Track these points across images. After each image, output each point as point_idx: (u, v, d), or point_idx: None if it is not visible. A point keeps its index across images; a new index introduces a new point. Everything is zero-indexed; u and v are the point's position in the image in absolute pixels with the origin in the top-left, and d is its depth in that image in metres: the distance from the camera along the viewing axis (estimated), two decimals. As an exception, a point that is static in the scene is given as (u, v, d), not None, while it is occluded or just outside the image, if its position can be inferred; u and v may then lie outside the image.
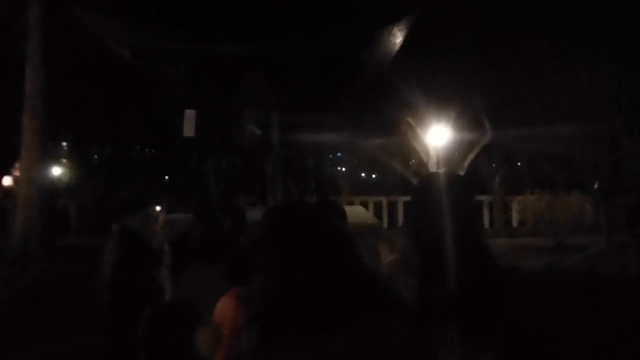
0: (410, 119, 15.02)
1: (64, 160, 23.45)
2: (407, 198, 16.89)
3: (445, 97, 13.65)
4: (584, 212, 14.88)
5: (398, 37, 10.19)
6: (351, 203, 16.73)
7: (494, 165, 17.55)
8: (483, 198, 16.72)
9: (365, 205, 16.67)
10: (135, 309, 3.74)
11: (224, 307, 3.04)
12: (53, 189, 18.83)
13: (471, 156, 15.54)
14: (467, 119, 14.46)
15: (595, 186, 12.21)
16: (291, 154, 10.22)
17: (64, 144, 24.30)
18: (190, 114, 9.72)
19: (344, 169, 32.62)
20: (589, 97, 10.83)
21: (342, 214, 3.68)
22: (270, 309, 1.54)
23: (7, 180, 17.54)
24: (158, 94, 13.05)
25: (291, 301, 1.47)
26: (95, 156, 23.51)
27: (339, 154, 31.90)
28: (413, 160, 17.73)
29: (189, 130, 9.76)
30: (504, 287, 1.67)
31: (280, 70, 10.12)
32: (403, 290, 1.96)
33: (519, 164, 19.27)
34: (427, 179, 1.87)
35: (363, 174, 33.90)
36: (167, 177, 20.45)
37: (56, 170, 22.97)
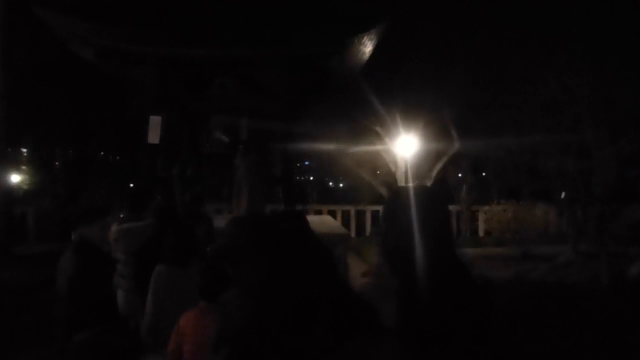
0: (378, 128, 15.02)
1: (24, 167, 22.76)
2: (375, 207, 17.01)
3: (414, 106, 13.71)
4: (549, 222, 15.12)
5: (368, 46, 10.16)
6: (319, 212, 16.64)
7: (460, 175, 17.71)
8: (451, 208, 16.78)
9: (333, 214, 16.58)
10: (92, 322, 3.56)
11: (187, 322, 2.87)
12: (10, 196, 18.25)
13: (439, 166, 15.63)
14: (435, 128, 14.54)
15: (562, 196, 12.39)
16: (259, 161, 10.04)
17: (24, 149, 23.61)
18: (155, 121, 9.44)
19: (311, 178, 32.56)
20: (559, 107, 10.97)
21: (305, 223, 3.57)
22: (249, 331, 1.38)
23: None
24: (124, 96, 12.72)
25: (276, 322, 1.32)
26: (56, 162, 22.85)
27: (306, 163, 31.84)
28: (379, 171, 17.76)
29: (154, 136, 9.49)
30: (484, 300, 1.61)
31: (250, 74, 9.97)
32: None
33: (484, 174, 19.52)
34: (395, 194, 1.85)
35: (331, 183, 33.86)
36: (131, 184, 19.97)
37: (15, 177, 22.30)
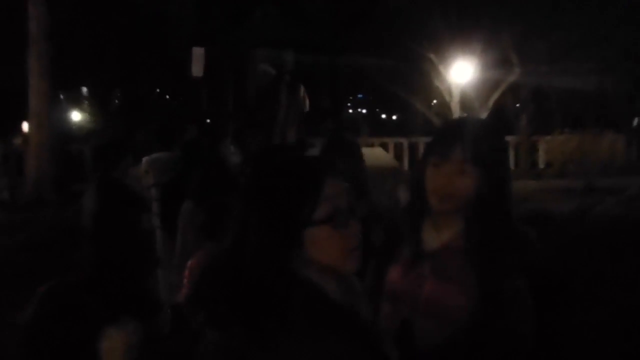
0: (432, 55, 14.27)
1: (84, 105, 23.40)
2: (429, 139, 16.45)
3: (470, 30, 12.85)
4: (616, 152, 14.20)
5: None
6: (370, 145, 16.27)
7: (518, 105, 16.79)
8: (509, 138, 16.12)
9: (385, 147, 16.18)
10: (121, 263, 3.44)
11: (195, 266, 2.64)
12: (69, 134, 18.80)
13: (496, 95, 14.82)
14: (493, 54, 13.69)
15: (635, 122, 11.49)
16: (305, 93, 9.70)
17: (84, 89, 24.19)
18: (198, 52, 9.22)
19: (364, 111, 32.00)
20: (631, 21, 9.90)
21: (355, 155, 3.27)
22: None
23: (26, 126, 17.38)
24: (168, 32, 12.49)
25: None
26: (116, 100, 23.30)
27: (359, 96, 31.25)
28: (435, 101, 17.06)
29: (197, 69, 9.29)
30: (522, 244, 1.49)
31: (292, 2, 9.48)
32: None
33: (546, 102, 18.47)
34: (447, 124, 1.58)
35: (384, 115, 33.23)
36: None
37: (76, 116, 22.99)
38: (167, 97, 24.23)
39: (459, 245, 1.50)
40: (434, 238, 1.56)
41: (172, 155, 4.21)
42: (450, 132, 1.57)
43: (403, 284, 1.54)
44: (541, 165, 15.96)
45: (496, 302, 1.42)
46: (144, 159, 4.27)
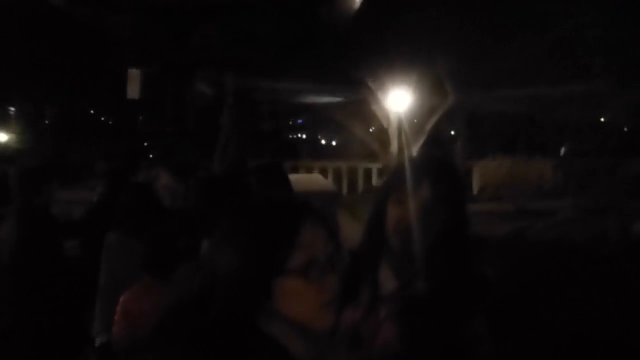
0: (370, 82, 14.52)
1: (11, 124, 22.32)
2: (368, 164, 16.71)
3: (407, 58, 13.18)
4: (545, 176, 14.82)
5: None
6: (310, 169, 16.30)
7: (453, 130, 17.33)
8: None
9: (324, 171, 16.26)
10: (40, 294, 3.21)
11: (132, 302, 2.48)
12: (-5, 154, 17.82)
13: (433, 120, 15.21)
14: (429, 81, 14.08)
15: (563, 149, 12.04)
16: (247, 116, 9.62)
17: (11, 108, 23.09)
18: (134, 74, 9.00)
19: (304, 136, 32.18)
20: (565, 51, 10.39)
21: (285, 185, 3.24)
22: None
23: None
24: (105, 50, 12.14)
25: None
26: (46, 120, 22.38)
27: (299, 121, 31.39)
28: (372, 127, 17.35)
29: (133, 91, 9.06)
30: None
31: (234, 23, 9.43)
32: None
33: (479, 128, 19.11)
34: (411, 162, 1.62)
35: (323, 141, 33.48)
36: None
37: (1, 135, 21.90)
38: (102, 118, 23.50)
39: (419, 286, 1.45)
40: (392, 280, 1.50)
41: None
42: (414, 169, 1.52)
43: (360, 328, 1.47)
44: (475, 190, 16.44)
45: (456, 351, 1.38)
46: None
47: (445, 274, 1.42)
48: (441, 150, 16.43)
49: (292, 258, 1.01)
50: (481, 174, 15.80)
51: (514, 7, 11.42)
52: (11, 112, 23.07)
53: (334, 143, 31.32)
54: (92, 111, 23.46)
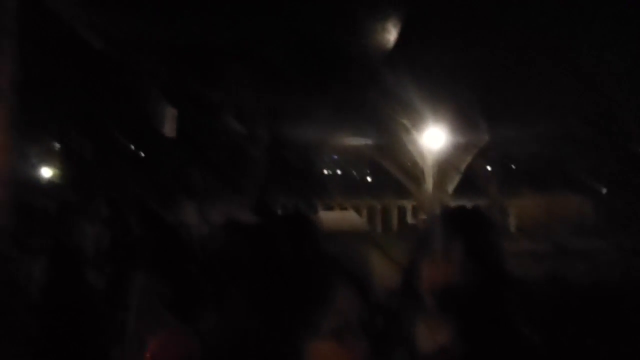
0: (405, 120, 14.50)
1: (54, 160, 23.14)
2: (402, 202, 16.57)
3: (442, 96, 13.13)
4: (584, 215, 14.39)
5: (392, 33, 9.66)
6: (343, 207, 16.25)
7: (489, 168, 17.06)
8: (481, 202, 16.28)
9: (357, 209, 16.17)
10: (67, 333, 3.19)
11: (158, 349, 2.39)
12: (36, 189, 18.43)
13: (467, 159, 15.03)
14: (464, 119, 13.97)
15: (604, 190, 11.69)
16: (278, 152, 9.66)
17: (55, 143, 23.96)
18: (171, 112, 9.26)
19: (338, 171, 32.23)
20: (595, 86, 10.16)
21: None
22: None
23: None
24: (141, 90, 12.49)
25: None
26: (87, 156, 23.05)
27: (334, 157, 31.52)
28: (406, 164, 17.23)
29: (170, 129, 9.29)
30: None
31: (267, 62, 9.56)
32: None
33: (513, 166, 18.80)
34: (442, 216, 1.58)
35: (358, 177, 33.48)
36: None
37: (46, 170, 22.71)
38: (141, 154, 24.10)
39: (457, 348, 1.36)
40: (429, 340, 1.42)
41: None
42: (446, 225, 1.45)
43: None
44: (512, 229, 16.05)
45: None
46: None
47: (485, 335, 1.34)
48: (476, 190, 16.21)
49: (324, 321, 0.98)
50: (518, 212, 15.47)
51: (551, 47, 11.31)
52: (56, 148, 23.96)
53: (368, 179, 31.27)
54: (132, 147, 24.11)
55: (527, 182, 16.76)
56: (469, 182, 16.23)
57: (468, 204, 15.12)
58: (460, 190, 15.65)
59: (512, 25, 11.82)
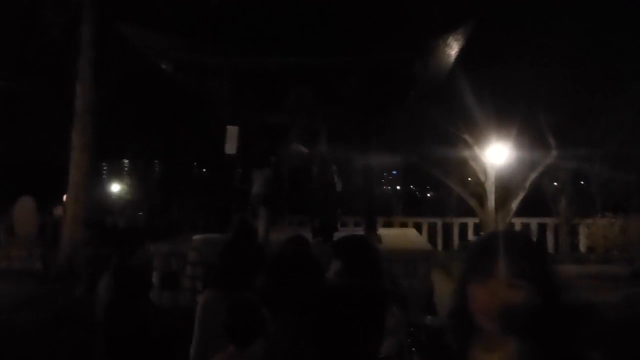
0: (467, 136, 14.24)
1: (124, 177, 24.16)
2: (463, 220, 16.16)
3: (506, 112, 12.82)
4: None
5: (454, 48, 9.52)
6: (404, 224, 16.05)
7: (556, 184, 16.41)
8: (548, 221, 15.71)
9: (419, 227, 15.94)
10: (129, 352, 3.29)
11: None
12: (106, 205, 19.27)
13: (533, 176, 14.54)
14: (530, 136, 13.55)
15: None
16: (338, 172, 9.66)
17: (125, 161, 25.04)
18: (232, 131, 9.46)
19: (398, 187, 31.96)
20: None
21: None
22: None
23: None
24: (206, 109, 12.87)
25: None
26: (155, 173, 23.90)
27: (394, 172, 31.30)
28: (468, 181, 16.85)
29: (230, 147, 9.48)
30: None
31: (328, 84, 9.63)
32: None
33: (582, 183, 18.01)
34: (487, 238, 1.56)
35: (418, 193, 33.08)
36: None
37: (115, 187, 23.72)
38: (204, 170, 24.75)
39: None
40: None
41: (223, 237, 4.15)
42: (492, 246, 1.44)
43: None
44: (582, 249, 15.37)
45: None
46: (195, 237, 4.25)
47: (535, 356, 1.31)
48: (542, 209, 15.65)
49: (381, 346, 1.00)
50: (589, 233, 14.79)
51: (624, 62, 10.85)
52: (125, 166, 25.03)
53: (429, 195, 30.81)
54: (194, 163, 24.82)
55: (600, 202, 16.07)
56: (535, 200, 15.70)
57: (533, 221, 14.54)
58: (525, 208, 15.16)
59: (584, 40, 11.45)
